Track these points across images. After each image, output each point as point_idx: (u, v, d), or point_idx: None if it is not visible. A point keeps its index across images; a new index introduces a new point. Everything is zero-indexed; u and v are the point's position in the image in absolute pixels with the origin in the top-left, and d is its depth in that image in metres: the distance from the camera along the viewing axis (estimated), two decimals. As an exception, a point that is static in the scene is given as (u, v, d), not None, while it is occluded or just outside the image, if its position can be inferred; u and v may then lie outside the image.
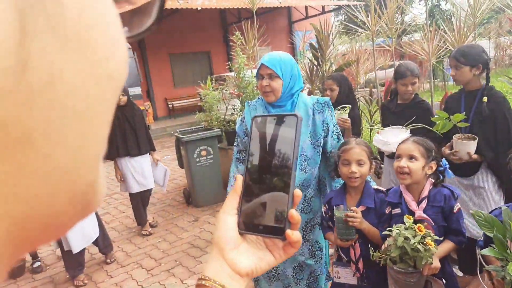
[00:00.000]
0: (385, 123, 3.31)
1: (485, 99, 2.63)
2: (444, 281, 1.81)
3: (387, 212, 2.04)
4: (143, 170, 4.69)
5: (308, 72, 5.21)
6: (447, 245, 1.87)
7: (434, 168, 1.93)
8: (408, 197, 1.95)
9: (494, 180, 2.72)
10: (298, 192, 0.59)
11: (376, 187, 2.18)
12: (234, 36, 5.49)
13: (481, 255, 1.70)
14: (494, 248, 1.57)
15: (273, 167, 0.59)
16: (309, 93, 5.18)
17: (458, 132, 2.64)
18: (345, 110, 3.14)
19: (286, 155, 0.59)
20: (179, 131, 5.89)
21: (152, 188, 4.95)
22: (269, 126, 0.61)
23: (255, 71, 5.55)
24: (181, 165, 5.95)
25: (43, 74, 0.20)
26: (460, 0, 4.39)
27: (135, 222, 5.13)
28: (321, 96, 3.57)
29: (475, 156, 2.58)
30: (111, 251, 4.29)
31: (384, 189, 2.17)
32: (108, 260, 4.24)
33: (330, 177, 2.43)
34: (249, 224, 0.60)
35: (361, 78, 5.76)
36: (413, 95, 3.14)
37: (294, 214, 0.57)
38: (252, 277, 0.60)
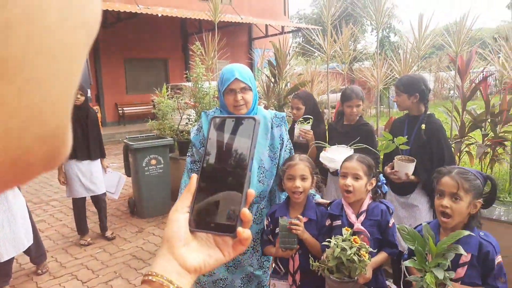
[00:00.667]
0: (331, 143, 3.45)
1: (423, 126, 2.86)
2: None
3: (327, 224, 2.14)
4: (91, 175, 4.50)
5: (265, 89, 5.31)
6: (381, 256, 2.00)
7: (374, 184, 2.07)
8: (349, 210, 2.07)
9: (426, 200, 2.94)
10: (251, 192, 0.61)
11: (319, 200, 2.28)
12: (194, 46, 5.51)
13: (406, 267, 1.84)
14: (415, 260, 1.70)
15: (229, 167, 0.61)
16: (265, 108, 5.27)
17: (400, 153, 2.82)
18: (308, 122, 3.26)
19: (242, 156, 0.60)
20: (129, 137, 5.75)
21: (104, 194, 4.75)
22: (227, 127, 0.63)
23: (213, 82, 5.63)
24: (128, 173, 5.79)
25: (23, 8, 0.21)
26: (407, 34, 4.70)
27: (73, 231, 4.87)
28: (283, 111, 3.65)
29: (412, 177, 2.78)
30: (43, 261, 4.01)
31: (326, 201, 2.29)
32: (40, 271, 3.95)
33: (279, 189, 2.51)
34: (200, 222, 0.61)
35: (318, 99, 5.96)
36: (357, 117, 3.32)
37: (246, 212, 0.59)
38: (201, 273, 0.61)
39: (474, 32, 3.58)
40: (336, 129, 3.48)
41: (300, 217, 2.06)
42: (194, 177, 0.64)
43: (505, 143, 3.59)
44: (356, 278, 1.77)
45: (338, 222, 2.09)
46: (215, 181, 0.62)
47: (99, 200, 4.73)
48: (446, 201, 1.76)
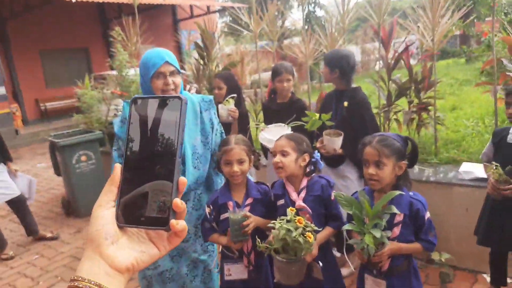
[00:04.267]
0: (267, 122, 3.45)
1: (345, 103, 2.93)
2: (321, 264, 1.96)
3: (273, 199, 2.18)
4: None
5: (195, 72, 5.17)
6: (327, 231, 2.04)
7: (307, 160, 2.08)
8: (290, 188, 2.10)
9: (355, 170, 3.07)
10: (183, 180, 0.56)
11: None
12: (114, 31, 5.19)
13: (347, 232, 1.95)
14: (354, 224, 1.76)
15: (156, 154, 0.55)
16: (197, 92, 5.14)
17: (331, 128, 2.87)
18: (229, 102, 3.23)
19: (169, 140, 0.55)
20: (54, 135, 5.37)
21: (20, 195, 4.35)
22: (150, 109, 0.56)
23: (138, 69, 5.36)
24: (57, 172, 5.44)
25: None
26: (332, 8, 4.76)
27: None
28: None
29: (339, 151, 2.85)
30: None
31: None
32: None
33: (215, 174, 2.46)
34: (129, 217, 0.56)
35: (247, 79, 5.92)
36: (290, 93, 3.33)
37: (179, 202, 0.55)
38: (134, 272, 0.56)
39: (394, 3, 3.70)
40: (270, 108, 3.47)
41: (248, 214, 2.03)
42: (117, 167, 0.57)
43: (429, 108, 3.80)
44: (302, 257, 1.78)
45: (282, 202, 2.11)
46: (142, 171, 0.56)
47: (15, 203, 4.35)
48: (371, 169, 1.84)
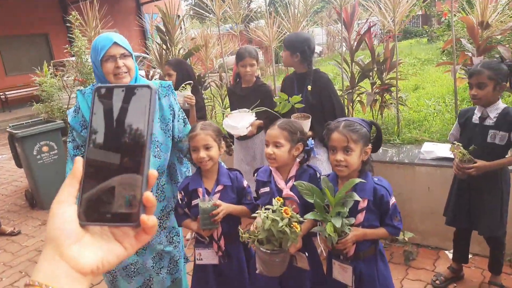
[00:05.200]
0: (232, 107, 3.40)
1: (309, 87, 2.90)
2: (307, 254, 1.93)
3: (245, 185, 2.15)
4: None
5: (157, 56, 5.04)
6: (309, 222, 1.97)
7: (301, 149, 2.03)
8: (278, 176, 2.03)
9: (324, 151, 3.04)
10: (153, 172, 0.52)
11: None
12: (71, 16, 4.97)
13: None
14: (316, 213, 1.75)
15: (123, 146, 0.52)
16: (161, 78, 5.03)
17: (296, 111, 2.85)
18: (186, 88, 3.16)
19: (138, 131, 0.52)
20: (12, 125, 5.15)
21: None
22: (116, 98, 0.53)
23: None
24: (18, 164, 5.23)
25: None
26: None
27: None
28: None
29: (309, 133, 2.84)
30: None
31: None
32: None
33: (179, 162, 2.41)
34: (93, 214, 0.51)
35: (213, 63, 5.82)
36: (254, 78, 3.29)
37: (150, 196, 0.51)
38: (99, 273, 0.51)
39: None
40: (235, 93, 3.43)
41: (218, 202, 2.00)
42: (79, 160, 0.53)
43: (391, 89, 3.85)
44: (287, 248, 1.75)
45: (266, 189, 2.06)
46: (107, 164, 0.52)
47: None
48: (339, 156, 1.81)
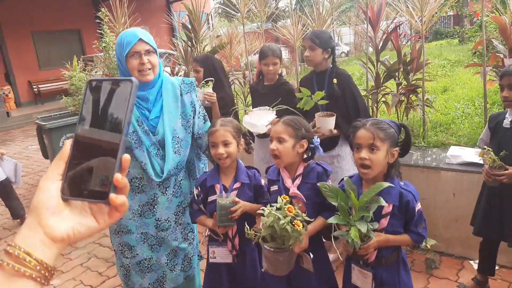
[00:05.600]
0: (254, 105, 3.38)
1: (335, 80, 2.86)
2: (312, 255, 1.88)
3: (263, 184, 2.14)
4: None
5: (183, 53, 5.07)
6: (318, 222, 1.93)
7: (306, 146, 1.98)
8: (285, 175, 2.00)
9: (349, 150, 2.94)
10: (126, 157, 0.59)
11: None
12: (100, 12, 5.07)
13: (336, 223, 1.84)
14: (339, 216, 1.70)
15: (104, 132, 0.59)
16: (186, 75, 5.07)
17: (319, 111, 2.80)
18: (208, 85, 3.14)
19: (118, 120, 0.58)
20: (41, 117, 5.31)
21: (5, 179, 4.31)
22: (103, 90, 0.60)
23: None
24: (45, 155, 5.39)
25: None
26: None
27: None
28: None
29: (335, 131, 2.78)
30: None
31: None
32: None
33: (198, 159, 2.42)
34: (73, 190, 0.59)
35: (239, 61, 5.81)
36: (276, 76, 3.25)
37: (119, 178, 0.57)
38: (70, 242, 0.58)
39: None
40: (257, 90, 3.40)
41: (237, 199, 1.99)
42: (67, 143, 0.61)
43: (418, 90, 3.73)
44: (290, 247, 1.72)
45: (275, 188, 2.04)
46: (90, 147, 0.59)
47: (0, 187, 4.31)
48: (364, 153, 1.73)
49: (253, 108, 3.32)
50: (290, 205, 1.73)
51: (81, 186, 0.58)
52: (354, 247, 1.63)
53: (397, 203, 1.73)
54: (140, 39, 1.98)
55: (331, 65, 2.95)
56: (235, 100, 5.06)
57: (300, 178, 1.97)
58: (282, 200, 1.75)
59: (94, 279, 3.36)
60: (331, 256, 3.12)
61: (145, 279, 2.30)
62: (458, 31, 13.28)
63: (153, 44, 2.04)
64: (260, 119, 2.97)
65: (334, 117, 2.72)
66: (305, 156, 2.02)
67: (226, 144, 2.04)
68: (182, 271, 2.37)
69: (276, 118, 3.04)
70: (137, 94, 2.04)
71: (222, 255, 2.13)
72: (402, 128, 1.86)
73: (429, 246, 2.91)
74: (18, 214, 4.49)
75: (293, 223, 1.67)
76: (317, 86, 2.96)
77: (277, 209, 1.73)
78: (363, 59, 4.00)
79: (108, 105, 0.59)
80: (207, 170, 2.49)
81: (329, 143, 2.97)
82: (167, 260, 2.30)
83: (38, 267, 0.54)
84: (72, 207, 0.59)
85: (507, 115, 2.32)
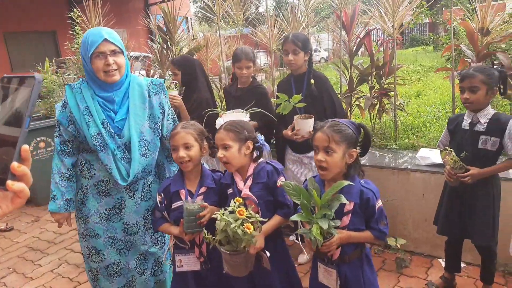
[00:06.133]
0: (228, 107, 3.38)
1: (312, 81, 2.88)
2: (268, 254, 1.88)
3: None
4: None
5: (158, 56, 5.03)
6: (274, 221, 1.94)
7: (252, 147, 1.99)
8: (237, 178, 2.01)
9: None
10: (25, 147, 0.64)
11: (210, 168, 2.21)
12: (73, 13, 4.99)
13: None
14: (302, 214, 1.72)
15: (7, 125, 0.63)
16: (161, 77, 5.02)
17: (297, 114, 2.78)
18: (174, 87, 3.09)
19: (20, 113, 0.63)
20: (11, 120, 5.15)
21: None
22: (12, 85, 0.65)
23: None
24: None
25: None
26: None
27: None
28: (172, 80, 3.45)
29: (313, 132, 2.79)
30: None
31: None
32: None
33: (169, 162, 2.38)
34: None
35: (218, 65, 5.79)
36: (250, 79, 3.25)
37: (15, 165, 0.62)
38: None
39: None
40: (230, 93, 3.40)
41: (205, 204, 1.96)
42: None
43: (390, 94, 3.81)
44: (245, 249, 1.72)
45: (231, 191, 2.03)
46: None
47: None
48: (320, 156, 1.77)
49: (226, 111, 3.31)
50: (242, 208, 1.73)
51: None
52: (318, 245, 1.65)
53: (358, 201, 1.76)
54: (105, 39, 1.94)
55: (308, 67, 2.97)
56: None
57: (251, 179, 1.98)
58: (235, 203, 1.75)
59: (65, 285, 3.28)
60: (302, 258, 3.14)
61: (113, 283, 2.26)
62: (433, 38, 13.64)
63: (119, 44, 2.01)
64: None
65: (313, 119, 2.71)
66: (254, 155, 2.03)
67: (187, 147, 2.01)
68: (152, 275, 2.34)
69: (250, 120, 3.05)
70: (102, 95, 2.02)
71: (189, 263, 2.08)
72: (361, 129, 1.88)
73: (399, 246, 2.96)
74: None
75: (244, 225, 1.67)
76: (295, 88, 2.97)
77: (230, 212, 1.73)
78: (335, 63, 4.06)
79: (14, 100, 0.64)
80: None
81: (307, 144, 2.98)
82: (136, 264, 2.27)
83: None
84: None
85: (465, 117, 2.38)
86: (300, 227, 1.89)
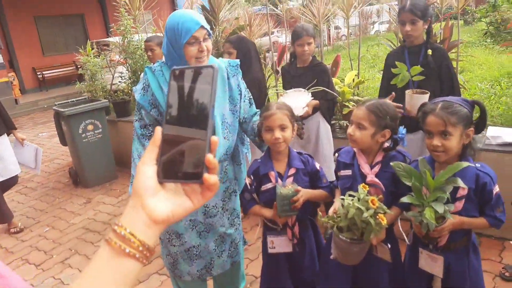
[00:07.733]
0: (286, 87, 3.30)
1: (429, 52, 2.64)
2: (389, 246, 1.81)
3: (318, 168, 2.05)
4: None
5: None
6: (394, 212, 1.82)
7: (388, 136, 1.84)
8: (362, 160, 1.89)
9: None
10: (214, 138, 0.62)
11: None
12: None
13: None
14: (412, 196, 1.64)
15: (191, 117, 0.62)
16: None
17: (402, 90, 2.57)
18: None
19: (203, 105, 0.62)
20: (58, 104, 5.22)
21: (17, 175, 4.18)
22: (187, 78, 0.63)
23: (143, 35, 5.16)
24: (63, 142, 5.33)
25: None
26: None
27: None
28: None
29: None
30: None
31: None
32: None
33: (242, 144, 2.35)
34: (168, 173, 0.62)
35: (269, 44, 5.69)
36: (310, 57, 3.15)
37: (211, 158, 0.60)
38: (169, 223, 0.61)
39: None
40: (289, 72, 3.31)
41: (299, 188, 1.90)
42: (158, 129, 0.64)
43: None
44: (367, 240, 1.65)
45: (348, 172, 1.92)
46: (179, 132, 0.63)
47: (9, 183, 4.13)
48: (436, 141, 1.65)
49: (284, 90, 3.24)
50: (374, 198, 1.63)
51: (175, 168, 0.62)
52: (429, 229, 1.58)
53: (473, 186, 1.65)
54: (202, 26, 1.87)
55: (426, 36, 2.72)
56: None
57: (379, 166, 1.85)
58: (364, 190, 1.66)
59: (75, 278, 3.31)
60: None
61: (193, 266, 2.27)
62: (469, 11, 13.04)
63: (208, 28, 1.94)
64: (296, 101, 2.89)
65: (428, 95, 2.44)
66: (386, 145, 1.89)
67: (283, 128, 1.94)
68: (229, 257, 2.34)
69: (312, 99, 2.97)
70: None
71: (281, 244, 2.05)
72: (476, 105, 1.74)
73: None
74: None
75: (377, 216, 1.59)
76: (409, 61, 2.72)
77: (358, 199, 1.63)
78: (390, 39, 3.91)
79: (193, 92, 0.63)
80: (250, 155, 2.43)
81: (413, 124, 2.78)
82: (215, 246, 2.27)
83: (140, 248, 0.58)
84: (167, 189, 0.63)
85: None
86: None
